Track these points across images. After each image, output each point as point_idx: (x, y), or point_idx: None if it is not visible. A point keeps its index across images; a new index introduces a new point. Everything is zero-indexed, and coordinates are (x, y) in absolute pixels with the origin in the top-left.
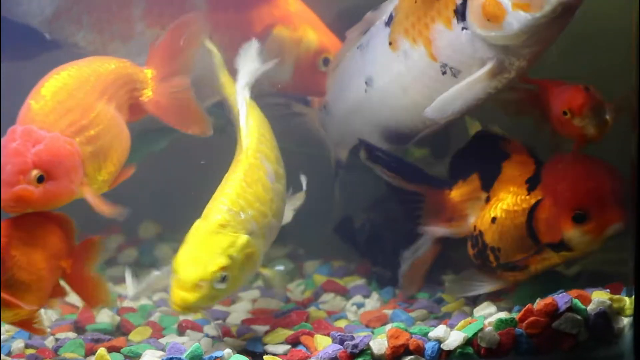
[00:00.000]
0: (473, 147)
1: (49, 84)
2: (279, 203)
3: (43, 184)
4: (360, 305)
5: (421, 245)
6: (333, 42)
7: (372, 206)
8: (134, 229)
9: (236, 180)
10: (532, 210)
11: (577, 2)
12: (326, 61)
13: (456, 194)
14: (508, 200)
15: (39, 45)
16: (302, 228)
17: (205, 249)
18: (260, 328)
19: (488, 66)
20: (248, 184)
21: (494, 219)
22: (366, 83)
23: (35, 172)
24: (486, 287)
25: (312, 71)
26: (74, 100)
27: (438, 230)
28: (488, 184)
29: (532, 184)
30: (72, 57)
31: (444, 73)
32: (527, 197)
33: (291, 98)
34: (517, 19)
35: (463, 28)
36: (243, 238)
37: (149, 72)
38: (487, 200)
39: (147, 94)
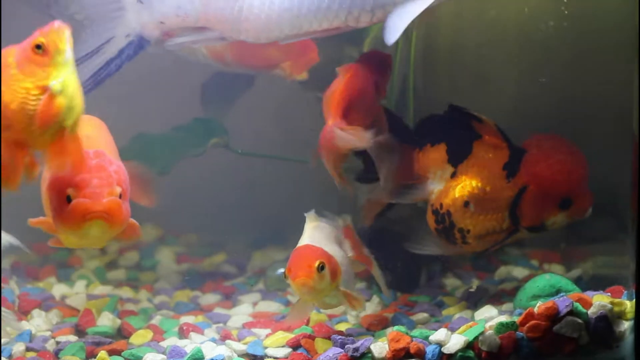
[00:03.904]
0: (445, 116)
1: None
2: None
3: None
4: None
5: (376, 188)
6: None
7: None
8: None
9: None
10: (517, 198)
11: None
12: None
13: (424, 156)
14: (484, 186)
15: None
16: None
17: None
18: (261, 331)
19: None
20: None
21: (466, 203)
22: None
23: (118, 189)
24: (438, 250)
25: None
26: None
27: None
28: (455, 159)
29: (510, 171)
30: None
31: None
32: (508, 184)
33: None
34: None
35: None
36: None
37: None
38: (454, 175)
39: None
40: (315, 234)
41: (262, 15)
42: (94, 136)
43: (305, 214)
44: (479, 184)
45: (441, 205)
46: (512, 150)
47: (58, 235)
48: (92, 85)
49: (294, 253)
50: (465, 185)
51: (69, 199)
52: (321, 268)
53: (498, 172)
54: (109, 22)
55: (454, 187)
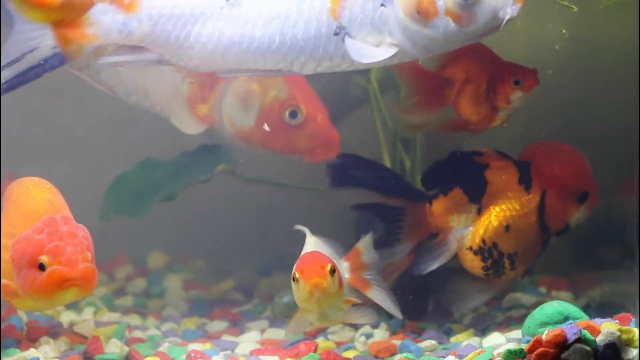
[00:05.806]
0: (448, 163)
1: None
2: None
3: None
4: (368, 336)
5: (397, 252)
6: (305, 95)
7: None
8: (142, 259)
9: None
10: (542, 205)
11: (499, 28)
12: (293, 114)
13: (438, 208)
14: (514, 206)
15: None
16: None
17: None
18: (269, 358)
19: (390, 52)
20: None
21: (507, 227)
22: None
23: (89, 254)
24: (488, 294)
25: (278, 122)
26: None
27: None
28: (476, 196)
29: (526, 183)
30: None
31: (336, 34)
32: (530, 195)
33: None
34: (444, 25)
35: (382, 5)
36: None
37: None
38: (480, 211)
39: None
40: (319, 245)
41: (209, 45)
42: (55, 201)
43: (301, 227)
44: (509, 205)
45: (484, 241)
46: (517, 165)
47: (11, 299)
48: (6, 88)
49: (303, 257)
50: (498, 213)
51: (41, 267)
52: (332, 271)
53: (517, 188)
54: (37, 31)
55: (489, 219)
